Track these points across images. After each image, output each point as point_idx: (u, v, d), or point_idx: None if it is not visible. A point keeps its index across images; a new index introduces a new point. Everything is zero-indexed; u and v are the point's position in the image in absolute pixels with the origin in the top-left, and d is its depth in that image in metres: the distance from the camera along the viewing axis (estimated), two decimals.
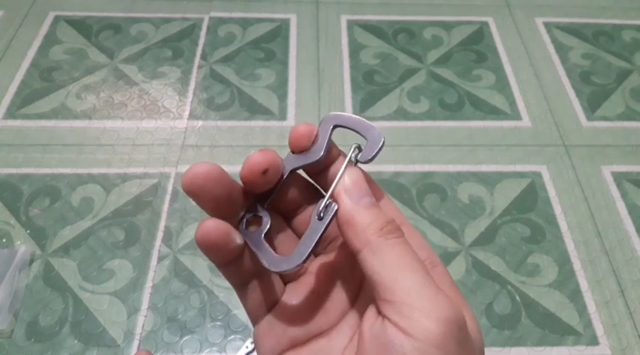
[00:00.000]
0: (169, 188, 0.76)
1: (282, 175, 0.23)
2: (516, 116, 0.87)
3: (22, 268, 0.66)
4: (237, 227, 0.22)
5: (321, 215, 0.21)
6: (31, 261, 0.67)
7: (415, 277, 0.18)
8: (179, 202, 0.74)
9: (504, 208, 0.75)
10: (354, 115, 0.24)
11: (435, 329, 0.17)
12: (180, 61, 0.93)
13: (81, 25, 0.98)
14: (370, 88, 0.90)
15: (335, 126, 0.24)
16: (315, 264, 0.24)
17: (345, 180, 0.21)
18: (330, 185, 0.21)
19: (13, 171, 0.77)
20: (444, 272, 0.21)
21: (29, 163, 0.77)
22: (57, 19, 0.99)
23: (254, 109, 0.86)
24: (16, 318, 0.63)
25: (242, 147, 0.81)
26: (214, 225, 0.20)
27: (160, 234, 0.71)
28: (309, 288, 0.23)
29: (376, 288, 0.18)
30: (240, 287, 0.22)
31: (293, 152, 0.24)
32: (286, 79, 0.91)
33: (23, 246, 0.68)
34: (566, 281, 0.68)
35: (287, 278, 0.24)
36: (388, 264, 0.18)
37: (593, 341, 0.64)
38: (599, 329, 0.65)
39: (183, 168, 0.78)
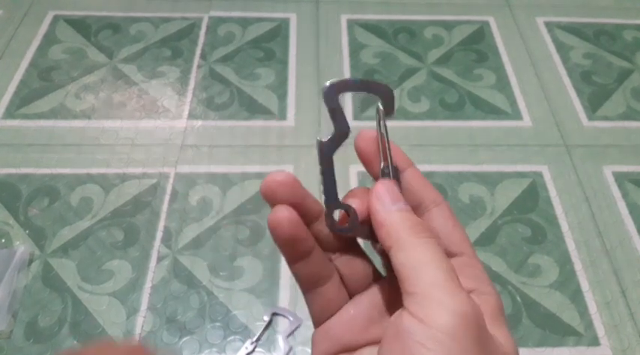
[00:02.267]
0: (168, 188, 0.75)
1: (331, 163, 0.24)
2: (517, 116, 0.87)
3: (21, 268, 0.66)
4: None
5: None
6: (30, 262, 0.67)
7: (438, 273, 0.19)
8: (178, 202, 0.74)
9: (505, 208, 0.75)
10: (352, 79, 0.24)
11: (451, 320, 0.17)
12: (180, 60, 0.93)
13: (80, 25, 0.98)
14: None
15: (337, 96, 0.24)
16: (383, 282, 0.25)
17: (377, 188, 0.22)
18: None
19: (12, 171, 0.76)
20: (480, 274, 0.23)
21: (28, 163, 0.77)
22: (56, 18, 0.99)
23: (253, 109, 0.86)
24: (15, 319, 0.62)
25: (241, 147, 0.81)
26: (288, 212, 0.22)
27: (159, 235, 0.70)
28: (370, 302, 0.24)
29: (402, 282, 0.19)
30: (307, 291, 0.24)
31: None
32: (286, 78, 0.90)
33: (22, 247, 0.68)
34: (567, 282, 0.68)
35: (353, 290, 0.25)
36: (414, 259, 0.19)
37: (594, 341, 0.63)
38: (600, 330, 0.64)
39: (182, 168, 0.78)
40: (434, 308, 0.18)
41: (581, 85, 0.92)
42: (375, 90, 0.24)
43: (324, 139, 0.23)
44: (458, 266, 0.21)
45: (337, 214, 0.23)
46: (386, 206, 0.21)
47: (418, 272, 0.19)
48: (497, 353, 0.19)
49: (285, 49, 0.95)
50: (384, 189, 0.22)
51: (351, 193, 0.24)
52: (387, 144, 0.23)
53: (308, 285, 0.24)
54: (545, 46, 0.98)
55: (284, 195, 0.22)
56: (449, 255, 0.22)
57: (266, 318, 0.63)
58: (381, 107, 0.24)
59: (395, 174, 0.23)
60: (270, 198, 0.22)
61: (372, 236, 0.22)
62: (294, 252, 0.22)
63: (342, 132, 0.23)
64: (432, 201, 0.24)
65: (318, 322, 0.24)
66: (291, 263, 0.23)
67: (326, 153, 0.23)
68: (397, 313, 0.20)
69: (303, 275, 0.23)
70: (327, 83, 0.23)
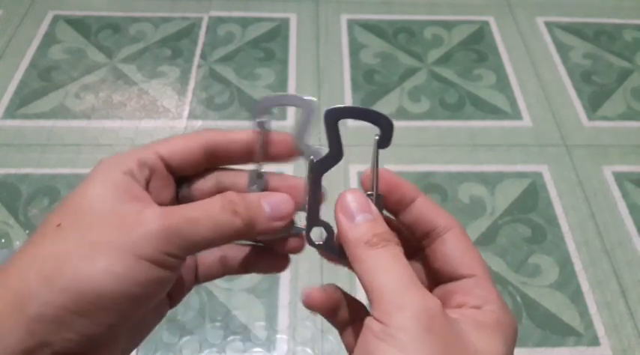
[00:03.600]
0: None
1: (319, 182, 0.25)
2: (517, 116, 0.87)
3: None
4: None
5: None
6: None
7: (388, 277, 0.21)
8: None
9: (505, 208, 0.75)
10: (352, 106, 0.24)
11: (400, 316, 0.20)
12: (180, 60, 0.93)
13: (80, 25, 0.98)
14: (370, 88, 0.90)
15: (337, 121, 0.24)
16: None
17: (343, 200, 0.24)
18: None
19: (12, 171, 0.76)
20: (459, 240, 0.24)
21: (28, 163, 0.77)
22: (56, 18, 0.99)
23: None
24: None
25: None
26: (318, 294, 0.25)
27: None
28: None
29: (365, 293, 0.21)
30: (342, 330, 0.26)
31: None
32: (286, 78, 0.90)
33: None
34: (567, 282, 0.68)
35: None
36: (367, 270, 0.22)
37: (594, 341, 0.63)
38: (600, 330, 0.64)
39: None
40: (386, 309, 0.20)
41: (581, 85, 0.92)
42: (375, 121, 0.24)
43: (316, 160, 0.25)
44: (467, 288, 0.23)
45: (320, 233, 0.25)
46: (348, 218, 0.23)
47: (371, 282, 0.21)
48: (464, 350, 0.20)
49: (285, 49, 0.95)
50: (350, 198, 0.24)
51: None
52: (376, 175, 0.24)
53: (341, 326, 0.26)
54: (545, 46, 0.98)
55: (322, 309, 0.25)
56: (458, 277, 0.24)
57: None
58: (377, 138, 0.24)
59: (378, 201, 0.24)
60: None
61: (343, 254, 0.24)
62: (329, 315, 0.26)
63: (335, 156, 0.24)
64: (444, 226, 0.24)
65: (351, 352, 0.26)
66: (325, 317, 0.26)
67: (316, 173, 0.25)
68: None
69: (335, 321, 0.26)
70: (327, 108, 0.24)
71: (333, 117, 0.24)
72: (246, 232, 0.23)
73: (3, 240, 0.69)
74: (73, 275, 0.20)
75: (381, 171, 0.24)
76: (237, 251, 0.27)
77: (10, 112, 0.84)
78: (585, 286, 0.68)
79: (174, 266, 0.21)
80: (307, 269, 0.67)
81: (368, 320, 0.21)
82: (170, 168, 0.25)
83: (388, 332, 0.19)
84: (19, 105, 0.85)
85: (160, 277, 0.21)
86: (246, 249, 0.27)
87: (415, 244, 0.26)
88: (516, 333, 0.23)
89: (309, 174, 0.25)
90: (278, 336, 0.62)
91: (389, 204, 0.25)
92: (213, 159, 0.25)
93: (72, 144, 0.80)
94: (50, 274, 0.20)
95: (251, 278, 0.67)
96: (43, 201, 0.73)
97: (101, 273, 0.19)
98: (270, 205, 0.24)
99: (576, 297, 0.67)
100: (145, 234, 0.20)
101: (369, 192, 0.24)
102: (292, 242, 0.26)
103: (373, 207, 0.24)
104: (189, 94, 0.88)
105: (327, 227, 0.25)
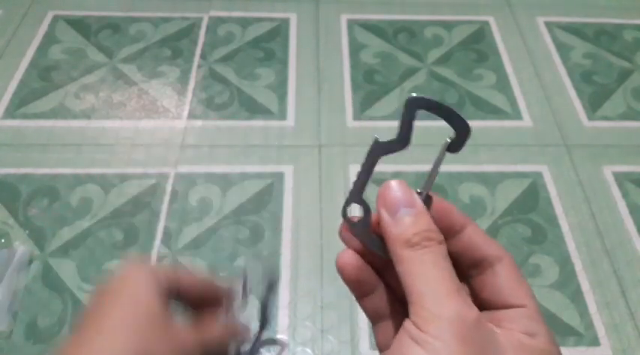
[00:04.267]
0: (168, 188, 0.75)
1: (373, 163, 0.24)
2: (517, 116, 0.87)
3: (20, 269, 0.66)
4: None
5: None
6: (30, 262, 0.67)
7: (426, 283, 0.21)
8: (178, 203, 0.74)
9: (505, 208, 0.75)
10: (438, 101, 0.23)
11: (436, 325, 0.20)
12: (180, 60, 0.93)
13: (80, 25, 0.98)
14: (370, 88, 0.89)
15: (417, 110, 0.24)
16: None
17: (386, 189, 0.23)
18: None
19: (12, 171, 0.76)
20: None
21: (28, 163, 0.77)
22: (56, 18, 0.98)
23: (254, 109, 0.86)
24: (14, 319, 0.62)
25: (241, 147, 0.81)
26: (353, 258, 0.24)
27: (158, 235, 0.70)
28: None
29: (405, 293, 0.22)
30: (374, 322, 0.26)
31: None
32: (286, 78, 0.90)
33: (22, 247, 0.68)
34: (567, 282, 0.68)
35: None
36: (407, 272, 0.21)
37: (594, 341, 0.63)
38: (600, 330, 0.64)
39: (182, 168, 0.78)
40: (425, 316, 0.20)
41: (582, 84, 0.92)
42: (454, 123, 0.23)
43: (380, 140, 0.24)
44: (516, 317, 0.23)
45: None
46: (390, 212, 0.23)
47: (412, 285, 0.21)
48: (496, 346, 0.21)
49: (285, 49, 0.95)
50: (394, 188, 0.23)
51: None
52: (433, 177, 0.24)
53: (373, 318, 0.26)
54: (546, 46, 0.98)
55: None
56: (510, 307, 0.23)
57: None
58: (448, 140, 0.24)
59: (427, 201, 0.23)
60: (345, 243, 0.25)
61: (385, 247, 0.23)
62: (358, 290, 0.25)
63: (400, 143, 0.24)
64: (495, 256, 0.24)
65: (380, 350, 0.26)
66: (357, 298, 0.25)
67: (374, 153, 0.24)
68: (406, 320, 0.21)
69: (368, 309, 0.25)
70: (414, 94, 0.23)
71: (415, 105, 0.23)
72: None
73: (3, 241, 0.69)
74: None
75: (435, 198, 0.24)
76: None
77: (10, 112, 0.84)
78: (585, 286, 0.68)
79: None
80: (307, 270, 0.67)
81: (406, 323, 0.21)
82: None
83: (424, 338, 0.20)
84: (19, 105, 0.85)
85: None
86: None
87: (461, 272, 0.25)
88: None
89: (368, 153, 0.24)
90: (278, 336, 0.62)
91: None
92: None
93: (72, 144, 0.80)
94: None
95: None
96: (42, 201, 0.73)
97: None
98: None
99: (576, 297, 0.67)
100: None
101: (418, 190, 0.23)
102: None
103: (418, 201, 0.23)
104: (189, 94, 0.88)
105: (366, 208, 0.24)
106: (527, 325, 0.22)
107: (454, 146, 0.23)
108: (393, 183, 0.23)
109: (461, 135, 0.23)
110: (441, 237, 0.22)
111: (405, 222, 0.22)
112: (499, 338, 0.21)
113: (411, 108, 0.23)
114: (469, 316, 0.20)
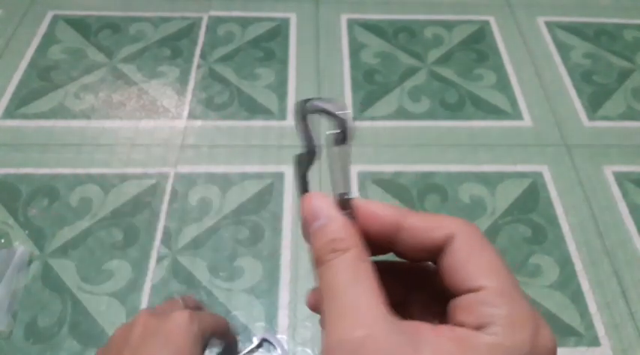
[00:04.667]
0: (168, 188, 0.75)
1: (303, 177, 0.24)
2: (517, 116, 0.87)
3: (20, 269, 0.66)
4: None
5: None
6: (30, 262, 0.67)
7: (331, 303, 0.20)
8: (178, 202, 0.74)
9: (505, 209, 0.75)
10: (319, 102, 0.22)
11: (353, 335, 0.19)
12: (179, 60, 0.93)
13: (80, 25, 0.98)
14: (370, 88, 0.89)
15: (305, 116, 0.23)
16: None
17: (302, 210, 0.22)
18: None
19: (11, 171, 0.76)
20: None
21: (27, 163, 0.77)
22: (55, 18, 0.98)
23: (253, 109, 0.86)
24: (14, 319, 0.62)
25: (241, 147, 0.81)
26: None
27: (158, 235, 0.70)
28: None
29: None
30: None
31: None
32: (286, 78, 0.90)
33: (22, 247, 0.68)
34: (567, 282, 0.68)
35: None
36: (322, 284, 0.20)
37: (595, 342, 0.63)
38: (600, 330, 0.64)
39: (182, 168, 0.78)
40: (329, 344, 0.19)
41: (582, 84, 0.92)
42: (334, 120, 0.22)
43: (297, 155, 0.23)
44: (471, 305, 0.19)
45: None
46: (307, 226, 0.22)
47: (324, 296, 0.20)
48: None
49: (285, 48, 0.95)
50: (304, 203, 0.22)
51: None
52: (347, 175, 0.22)
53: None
54: (546, 46, 0.98)
55: None
56: (463, 292, 0.20)
57: (255, 341, 0.62)
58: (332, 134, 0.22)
59: (345, 205, 0.22)
60: None
61: None
62: None
63: (310, 154, 0.23)
64: (445, 236, 0.21)
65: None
66: None
67: (299, 169, 0.24)
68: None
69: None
70: (296, 103, 0.23)
71: (300, 112, 0.23)
72: None
73: (2, 241, 0.69)
74: None
75: (356, 202, 0.22)
76: None
77: (10, 112, 0.84)
78: (585, 286, 0.68)
79: None
80: (307, 270, 0.67)
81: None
82: None
83: (346, 349, 0.18)
84: (19, 105, 0.85)
85: None
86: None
87: (424, 268, 0.23)
88: None
89: (294, 171, 0.24)
90: (278, 336, 0.62)
91: (375, 240, 0.22)
92: None
93: (72, 144, 0.80)
94: None
95: (251, 279, 0.67)
96: (42, 201, 0.73)
97: None
98: None
99: (576, 297, 0.67)
100: None
101: (339, 193, 0.22)
102: None
103: (324, 210, 0.21)
104: (189, 94, 0.88)
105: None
106: (480, 314, 0.18)
107: (339, 140, 0.22)
108: (303, 198, 0.22)
109: (343, 130, 0.22)
110: (346, 245, 0.20)
111: (317, 234, 0.21)
112: (423, 347, 0.18)
113: (299, 116, 0.22)
114: (354, 336, 0.18)
